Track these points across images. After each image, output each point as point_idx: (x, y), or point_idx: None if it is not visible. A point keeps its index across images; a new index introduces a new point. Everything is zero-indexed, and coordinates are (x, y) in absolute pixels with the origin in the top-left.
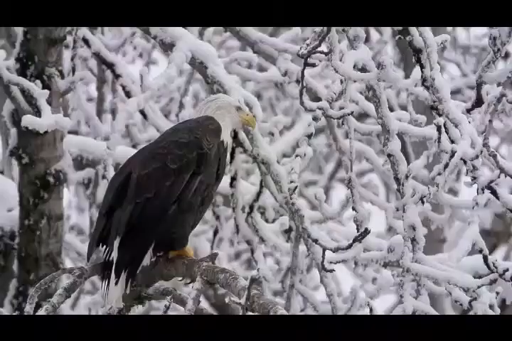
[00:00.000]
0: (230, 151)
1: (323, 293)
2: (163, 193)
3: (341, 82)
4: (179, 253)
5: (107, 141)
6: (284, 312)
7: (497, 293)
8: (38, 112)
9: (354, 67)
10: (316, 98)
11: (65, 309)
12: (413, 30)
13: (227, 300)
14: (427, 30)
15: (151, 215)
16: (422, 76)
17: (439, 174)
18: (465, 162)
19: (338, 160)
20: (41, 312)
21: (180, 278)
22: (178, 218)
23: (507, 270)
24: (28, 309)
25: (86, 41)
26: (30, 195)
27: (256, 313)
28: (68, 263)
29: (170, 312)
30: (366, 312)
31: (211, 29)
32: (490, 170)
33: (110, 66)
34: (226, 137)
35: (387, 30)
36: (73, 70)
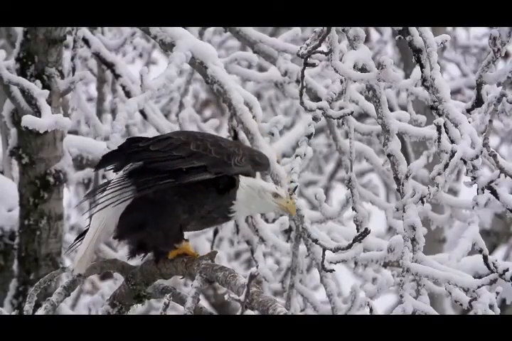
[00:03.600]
0: None
1: (323, 293)
2: (161, 157)
3: (341, 82)
4: (178, 252)
5: (107, 141)
6: (284, 310)
7: (497, 293)
8: (38, 112)
9: (354, 67)
10: (316, 98)
11: (65, 309)
12: (413, 30)
13: (226, 297)
14: (427, 30)
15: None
16: (422, 76)
17: (439, 174)
18: (465, 162)
19: (338, 160)
20: (41, 310)
21: (180, 277)
22: (168, 194)
23: (507, 270)
24: (28, 308)
25: (86, 41)
26: (30, 195)
27: (255, 311)
28: (68, 263)
29: (169, 311)
30: (366, 312)
31: (211, 29)
32: (490, 170)
33: (110, 66)
34: (240, 211)
35: (387, 30)
36: (73, 70)
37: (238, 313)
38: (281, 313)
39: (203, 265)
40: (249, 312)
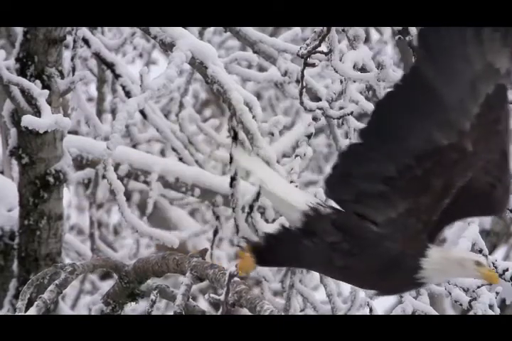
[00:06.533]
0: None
1: (323, 293)
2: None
3: (341, 82)
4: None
5: (107, 141)
6: (270, 308)
7: (497, 293)
8: (38, 112)
9: (354, 67)
10: (316, 98)
11: (65, 309)
12: (413, 30)
13: (206, 297)
14: None
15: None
16: None
17: None
18: None
19: None
20: (33, 308)
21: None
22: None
23: (507, 270)
24: (20, 305)
25: (86, 41)
26: (30, 195)
27: (244, 308)
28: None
29: (167, 312)
30: (366, 312)
31: (211, 29)
32: None
33: (110, 66)
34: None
35: (387, 30)
36: (73, 70)
37: (219, 313)
38: (268, 310)
39: (193, 262)
40: (246, 311)
